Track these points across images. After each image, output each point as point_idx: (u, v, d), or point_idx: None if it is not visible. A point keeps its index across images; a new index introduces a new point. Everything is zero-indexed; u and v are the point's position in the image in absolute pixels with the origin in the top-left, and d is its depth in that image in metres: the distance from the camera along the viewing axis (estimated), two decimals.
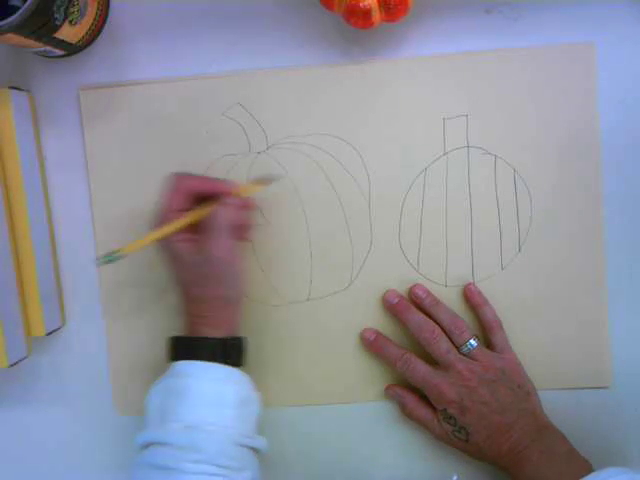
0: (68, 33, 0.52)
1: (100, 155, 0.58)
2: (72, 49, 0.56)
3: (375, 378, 0.58)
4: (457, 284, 0.58)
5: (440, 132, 0.57)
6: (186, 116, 0.57)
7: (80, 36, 0.54)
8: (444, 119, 0.56)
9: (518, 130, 0.56)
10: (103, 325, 0.59)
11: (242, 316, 0.55)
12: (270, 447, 0.53)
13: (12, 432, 0.61)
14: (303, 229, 0.58)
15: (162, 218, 0.51)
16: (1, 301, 0.53)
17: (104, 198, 0.58)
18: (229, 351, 0.52)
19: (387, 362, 0.57)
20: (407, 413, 0.57)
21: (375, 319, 0.58)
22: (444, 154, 0.57)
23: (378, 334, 0.57)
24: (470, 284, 0.57)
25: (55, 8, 0.48)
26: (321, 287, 0.58)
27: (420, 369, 0.55)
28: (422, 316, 0.56)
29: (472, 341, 0.55)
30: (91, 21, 0.54)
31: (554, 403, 0.56)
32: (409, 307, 0.56)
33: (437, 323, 0.55)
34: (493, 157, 0.57)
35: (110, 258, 0.49)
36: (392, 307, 0.57)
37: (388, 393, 0.58)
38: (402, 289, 0.58)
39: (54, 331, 0.58)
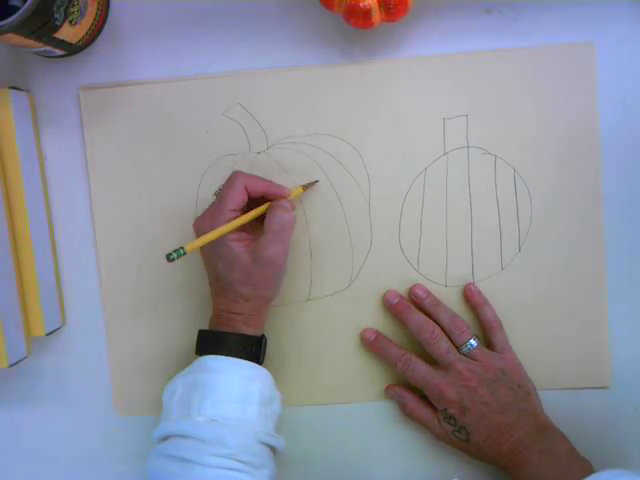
0: (68, 33, 0.52)
1: (100, 155, 0.58)
2: (72, 49, 0.56)
3: (375, 378, 0.58)
4: (457, 284, 0.58)
5: (440, 132, 0.57)
6: (186, 116, 0.57)
7: (80, 36, 0.54)
8: (444, 119, 0.56)
9: (518, 130, 0.56)
10: (103, 325, 0.59)
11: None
12: None
13: (12, 432, 0.61)
14: (303, 229, 0.58)
15: (220, 216, 0.51)
16: (1, 301, 0.53)
17: (104, 198, 0.58)
18: (258, 349, 0.53)
19: (387, 362, 0.57)
20: (407, 413, 0.57)
21: (375, 319, 0.58)
22: (444, 154, 0.57)
23: (378, 334, 0.57)
24: (470, 284, 0.57)
25: (55, 8, 0.48)
26: (321, 287, 0.58)
27: (420, 369, 0.55)
28: (422, 316, 0.56)
29: (472, 341, 0.55)
30: (91, 21, 0.54)
31: (554, 403, 0.56)
32: (409, 307, 0.56)
33: (437, 323, 0.55)
34: (493, 157, 0.57)
35: (178, 254, 0.49)
36: (392, 307, 0.57)
37: (388, 393, 0.58)
38: (402, 289, 0.58)
39: (54, 331, 0.58)
